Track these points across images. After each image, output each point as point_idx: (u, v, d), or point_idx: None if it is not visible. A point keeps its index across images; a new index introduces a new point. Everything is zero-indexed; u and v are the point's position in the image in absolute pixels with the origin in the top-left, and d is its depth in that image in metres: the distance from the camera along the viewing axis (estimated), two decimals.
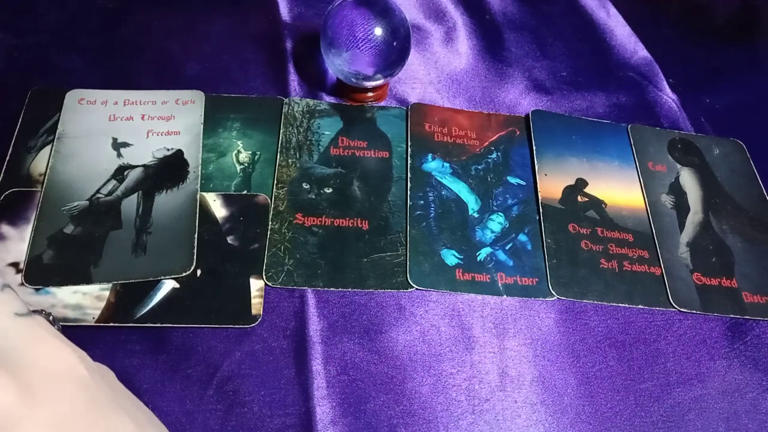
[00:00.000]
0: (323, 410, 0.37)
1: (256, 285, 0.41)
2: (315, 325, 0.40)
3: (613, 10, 0.61)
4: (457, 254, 0.44)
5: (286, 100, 0.50)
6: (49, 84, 0.49)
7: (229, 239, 0.43)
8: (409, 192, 0.46)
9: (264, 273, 0.41)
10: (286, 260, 0.42)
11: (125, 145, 0.46)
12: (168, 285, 0.40)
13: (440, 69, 0.55)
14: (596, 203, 0.48)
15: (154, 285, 0.40)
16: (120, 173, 0.44)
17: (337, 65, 0.47)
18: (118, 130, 0.46)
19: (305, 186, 0.46)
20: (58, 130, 0.46)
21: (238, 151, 0.47)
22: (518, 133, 0.51)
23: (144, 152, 0.45)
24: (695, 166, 0.51)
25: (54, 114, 0.47)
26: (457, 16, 0.59)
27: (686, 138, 0.53)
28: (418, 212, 0.45)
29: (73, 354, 0.26)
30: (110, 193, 0.43)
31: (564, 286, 0.43)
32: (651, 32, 0.61)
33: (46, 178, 0.43)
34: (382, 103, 0.52)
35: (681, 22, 0.63)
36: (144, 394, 0.36)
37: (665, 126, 0.54)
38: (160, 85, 0.50)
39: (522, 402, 0.39)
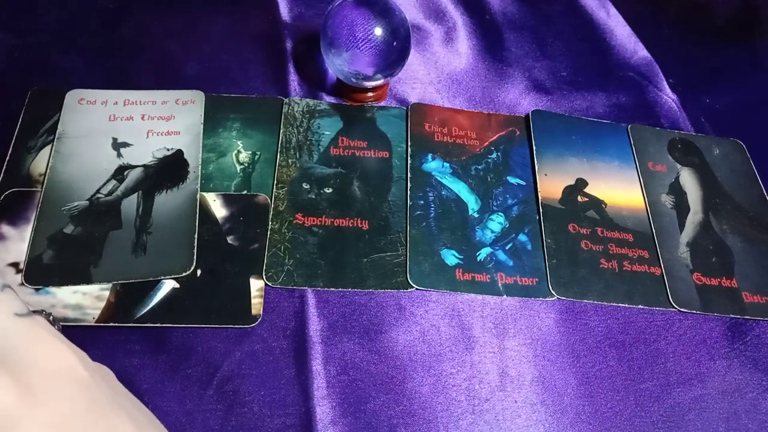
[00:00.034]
0: (323, 410, 0.37)
1: (256, 285, 0.41)
2: (315, 325, 0.40)
3: (613, 10, 0.61)
4: (457, 254, 0.44)
5: (286, 100, 0.50)
6: (49, 84, 0.49)
7: (229, 239, 0.43)
8: (409, 192, 0.46)
9: (264, 273, 0.41)
10: (286, 260, 0.42)
11: (125, 145, 0.46)
12: (168, 285, 0.40)
13: (440, 69, 0.55)
14: (596, 203, 0.48)
15: (154, 285, 0.40)
16: (120, 173, 0.44)
17: (337, 65, 0.47)
18: (118, 130, 0.46)
19: (305, 186, 0.46)
20: (58, 130, 0.46)
21: (238, 151, 0.47)
22: (518, 133, 0.51)
23: (144, 152, 0.45)
24: (695, 166, 0.51)
25: (54, 114, 0.47)
26: (457, 16, 0.59)
27: (686, 138, 0.53)
28: (418, 212, 0.45)
29: (72, 354, 0.26)
30: (110, 193, 0.43)
31: (564, 286, 0.43)
32: (651, 32, 0.61)
33: (46, 178, 0.43)
34: (382, 103, 0.52)
35: (681, 22, 0.63)
36: (144, 394, 0.36)
37: (665, 126, 0.54)
38: (160, 85, 0.50)
39: (522, 402, 0.39)
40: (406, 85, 0.53)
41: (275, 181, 0.46)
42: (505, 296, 0.43)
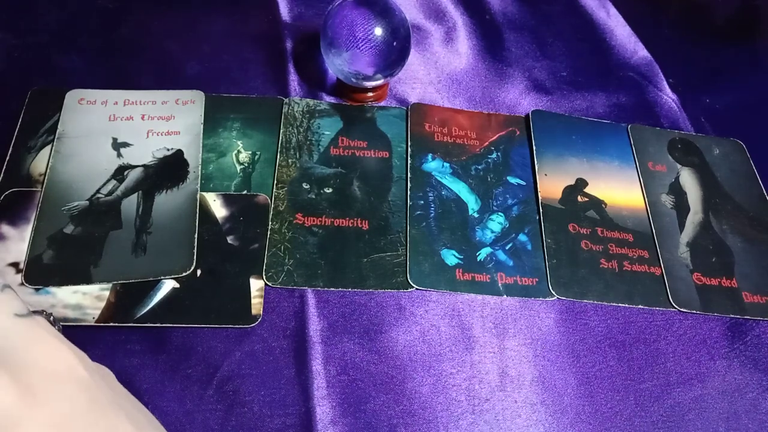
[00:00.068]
0: (323, 410, 0.37)
1: (256, 285, 0.41)
2: (315, 325, 0.40)
3: (613, 10, 0.61)
4: (457, 254, 0.44)
5: (286, 100, 0.50)
6: (49, 84, 0.49)
7: (229, 239, 0.43)
8: (409, 192, 0.46)
9: (264, 273, 0.41)
10: (286, 260, 0.42)
11: (125, 145, 0.46)
12: (168, 285, 0.40)
13: (440, 69, 0.55)
14: (596, 203, 0.48)
15: (154, 285, 0.40)
16: (120, 173, 0.44)
17: (337, 65, 0.47)
18: (118, 130, 0.46)
19: (305, 186, 0.46)
20: (58, 130, 0.46)
21: (238, 151, 0.47)
22: (518, 133, 0.51)
23: (144, 152, 0.45)
24: (695, 166, 0.51)
25: (54, 114, 0.47)
26: (457, 16, 0.59)
27: (686, 138, 0.53)
28: (418, 212, 0.45)
29: (73, 354, 0.26)
30: (110, 193, 0.43)
31: (564, 286, 0.43)
32: (651, 32, 0.61)
33: (46, 178, 0.43)
34: (382, 103, 0.52)
35: (681, 22, 0.63)
36: (144, 394, 0.36)
37: (665, 126, 0.54)
38: (160, 85, 0.50)
39: (522, 402, 0.39)
40: (406, 85, 0.53)
41: (275, 181, 0.46)
42: (505, 296, 0.43)
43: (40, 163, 0.44)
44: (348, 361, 0.39)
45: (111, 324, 0.38)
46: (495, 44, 0.58)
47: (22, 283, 0.39)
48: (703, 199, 0.49)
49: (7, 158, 0.44)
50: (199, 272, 0.41)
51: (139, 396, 0.36)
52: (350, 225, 0.44)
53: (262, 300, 0.40)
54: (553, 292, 0.43)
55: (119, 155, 0.45)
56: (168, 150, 0.46)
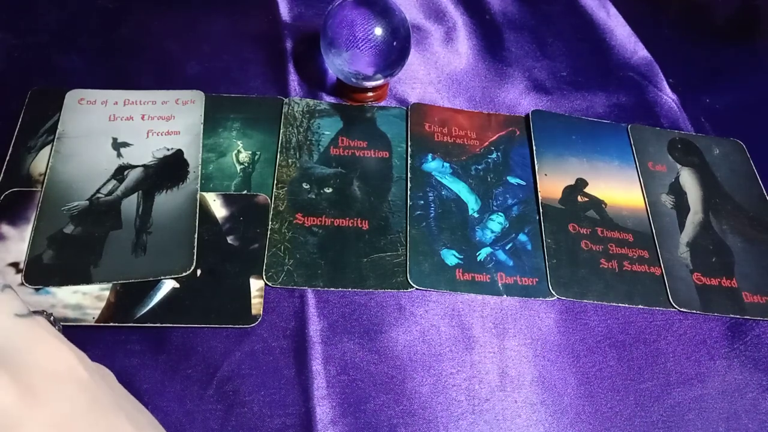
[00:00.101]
0: (323, 410, 0.37)
1: (256, 285, 0.41)
2: (315, 325, 0.40)
3: (613, 10, 0.61)
4: (457, 254, 0.44)
5: (286, 100, 0.50)
6: (49, 84, 0.49)
7: (229, 239, 0.43)
8: (409, 192, 0.46)
9: (264, 273, 0.41)
10: (286, 260, 0.42)
11: (125, 145, 0.46)
12: (168, 285, 0.40)
13: (440, 69, 0.55)
14: (596, 203, 0.48)
15: (154, 285, 0.40)
16: (120, 173, 0.44)
17: (337, 65, 0.47)
18: (118, 130, 0.46)
19: (305, 186, 0.46)
20: (58, 130, 0.46)
21: (238, 151, 0.47)
22: (518, 133, 0.51)
23: (144, 152, 0.45)
24: (695, 166, 0.51)
25: (54, 114, 0.47)
26: (457, 16, 0.59)
27: (686, 138, 0.53)
28: (418, 212, 0.45)
29: (73, 355, 0.26)
30: (110, 193, 0.43)
31: (564, 286, 0.43)
32: (651, 32, 0.61)
33: (46, 178, 0.43)
34: (382, 103, 0.52)
35: (681, 22, 0.63)
36: (144, 394, 0.36)
37: (665, 126, 0.54)
38: (160, 85, 0.50)
39: (522, 402, 0.39)
40: (406, 85, 0.53)
41: (275, 181, 0.46)
42: (505, 296, 0.43)
43: (40, 163, 0.44)
44: (348, 361, 0.39)
45: (111, 324, 0.38)
46: (495, 44, 0.58)
47: (22, 283, 0.39)
48: (703, 199, 0.49)
49: (7, 158, 0.44)
50: (199, 272, 0.41)
51: (139, 396, 0.36)
52: (350, 225, 0.44)
53: (262, 300, 0.40)
54: (553, 292, 0.43)
55: (119, 155, 0.45)
56: (168, 150, 0.46)
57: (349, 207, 0.45)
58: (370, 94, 0.51)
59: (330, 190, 0.46)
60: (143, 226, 0.42)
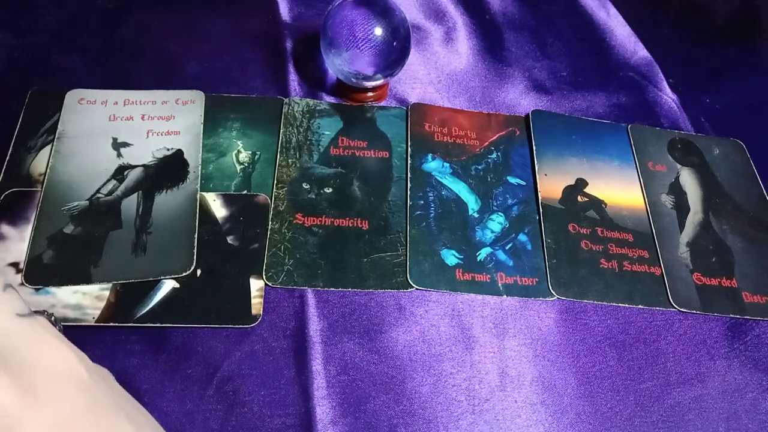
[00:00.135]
0: (323, 410, 0.37)
1: (256, 285, 0.41)
2: (315, 325, 0.40)
3: (613, 10, 0.61)
4: (457, 254, 0.44)
5: (286, 100, 0.50)
6: (49, 84, 0.49)
7: (229, 239, 0.43)
8: (409, 192, 0.46)
9: (264, 273, 0.41)
10: (286, 260, 0.42)
11: (125, 145, 0.46)
12: (168, 285, 0.40)
13: (440, 69, 0.55)
14: (596, 203, 0.48)
15: (154, 285, 0.40)
16: (120, 173, 0.44)
17: (337, 65, 0.47)
18: (118, 130, 0.46)
19: (305, 186, 0.46)
20: (58, 130, 0.46)
21: (238, 151, 0.47)
22: (518, 133, 0.51)
23: (144, 152, 0.45)
24: (695, 166, 0.51)
25: (54, 114, 0.47)
26: (457, 16, 0.59)
27: (686, 138, 0.53)
28: (418, 212, 0.45)
29: (73, 355, 0.26)
30: (110, 193, 0.43)
31: (564, 286, 0.43)
32: (651, 32, 0.61)
33: (46, 178, 0.43)
34: (382, 103, 0.52)
35: (681, 22, 0.63)
36: (144, 394, 0.36)
37: (665, 126, 0.54)
38: (160, 85, 0.50)
39: (522, 402, 0.39)
40: (406, 85, 0.53)
41: (275, 181, 0.46)
42: (505, 296, 0.43)
43: (40, 163, 0.44)
44: (348, 361, 0.39)
45: (111, 324, 0.38)
46: (495, 44, 0.58)
47: (22, 283, 0.39)
48: (703, 199, 0.49)
49: (7, 158, 0.44)
50: (199, 272, 0.41)
51: (139, 396, 0.36)
52: (350, 225, 0.44)
53: (262, 300, 0.40)
54: (553, 292, 0.43)
55: (119, 155, 0.45)
56: (168, 150, 0.46)
57: (349, 207, 0.45)
58: (370, 94, 0.51)
59: (330, 190, 0.46)
60: (143, 226, 0.42)
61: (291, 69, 0.53)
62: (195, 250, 0.41)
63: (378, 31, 0.45)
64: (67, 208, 0.42)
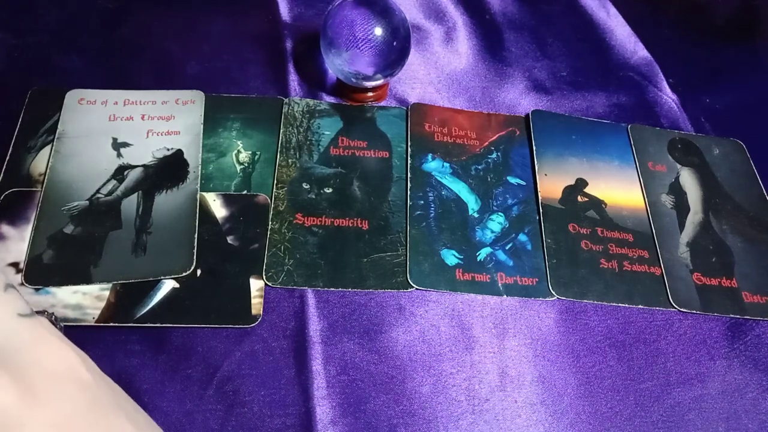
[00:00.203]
0: (323, 410, 0.37)
1: (256, 285, 0.41)
2: (315, 325, 0.40)
3: (613, 10, 0.61)
4: (457, 254, 0.44)
5: (286, 100, 0.50)
6: (49, 84, 0.49)
7: (229, 239, 0.43)
8: (409, 192, 0.46)
9: (264, 273, 0.41)
10: (286, 260, 0.42)
11: (125, 145, 0.46)
12: (168, 285, 0.40)
13: (440, 69, 0.55)
14: (596, 203, 0.48)
15: (154, 285, 0.40)
16: (120, 173, 0.44)
17: (337, 65, 0.47)
18: (118, 130, 0.46)
19: (305, 186, 0.46)
20: (58, 130, 0.46)
21: (238, 151, 0.47)
22: (518, 133, 0.51)
23: (144, 152, 0.45)
24: (695, 166, 0.51)
25: (54, 114, 0.47)
26: (457, 16, 0.59)
27: (686, 138, 0.53)
28: (418, 212, 0.45)
29: (74, 355, 0.26)
30: (110, 193, 0.43)
31: (564, 286, 0.43)
32: (651, 32, 0.61)
33: (46, 178, 0.43)
34: (382, 103, 0.52)
35: (681, 22, 0.63)
36: (144, 394, 0.36)
37: (665, 126, 0.54)
38: (160, 85, 0.50)
39: (522, 402, 0.39)
40: (406, 85, 0.53)
41: (275, 181, 0.46)
42: (505, 296, 0.43)
43: (40, 163, 0.44)
44: (348, 361, 0.39)
45: (111, 324, 0.38)
46: (495, 44, 0.58)
47: (22, 283, 0.39)
48: (703, 199, 0.49)
49: (7, 158, 0.44)
50: (199, 272, 0.41)
51: (139, 396, 0.36)
52: (350, 225, 0.44)
53: (262, 300, 0.40)
54: (553, 292, 0.43)
55: (119, 155, 0.45)
56: (168, 150, 0.46)
57: (349, 207, 0.45)
58: (370, 94, 0.51)
59: (330, 190, 0.46)
60: (143, 226, 0.42)
61: (291, 69, 0.53)
62: (195, 250, 0.41)
63: (378, 31, 0.45)
64: (67, 208, 0.42)
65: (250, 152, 0.47)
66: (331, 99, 0.51)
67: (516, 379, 0.40)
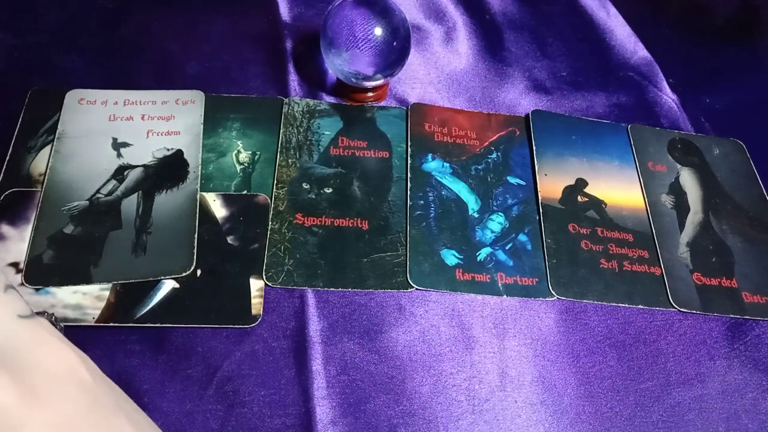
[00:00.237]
0: (323, 410, 0.37)
1: (256, 285, 0.41)
2: (315, 325, 0.40)
3: (613, 10, 0.61)
4: (457, 254, 0.44)
5: (286, 100, 0.50)
6: (49, 84, 0.49)
7: (229, 239, 0.43)
8: (409, 192, 0.46)
9: (264, 273, 0.41)
10: (286, 260, 0.42)
11: (125, 145, 0.46)
12: (168, 285, 0.40)
13: (440, 69, 0.55)
14: (596, 203, 0.48)
15: (154, 285, 0.40)
16: (120, 173, 0.44)
17: (337, 65, 0.47)
18: (118, 130, 0.46)
19: (305, 186, 0.46)
20: (58, 130, 0.46)
21: (238, 151, 0.47)
22: (518, 133, 0.51)
23: (144, 152, 0.45)
24: (695, 166, 0.51)
25: (54, 114, 0.47)
26: (457, 16, 0.59)
27: (686, 138, 0.53)
28: (418, 212, 0.45)
29: (75, 356, 0.26)
30: (110, 193, 0.43)
31: (564, 286, 0.43)
32: (651, 32, 0.61)
33: (46, 178, 0.43)
34: (382, 103, 0.52)
35: (681, 22, 0.63)
36: (144, 394, 0.37)
37: (665, 126, 0.54)
38: (160, 85, 0.50)
39: (522, 402, 0.39)
40: (406, 85, 0.53)
41: (275, 181, 0.46)
42: (505, 296, 0.43)
43: (40, 163, 0.44)
44: (348, 361, 0.39)
45: (111, 324, 0.38)
46: (495, 44, 0.58)
47: (22, 283, 0.39)
48: (703, 199, 0.49)
49: (7, 158, 0.44)
50: (199, 272, 0.41)
51: (139, 396, 0.36)
52: (350, 225, 0.44)
53: (262, 300, 0.40)
54: (553, 292, 0.43)
55: (119, 155, 0.45)
56: (168, 150, 0.46)
57: (349, 207, 0.45)
58: (370, 94, 0.51)
59: (330, 190, 0.46)
60: (143, 226, 0.42)
61: (291, 69, 0.53)
62: (195, 250, 0.41)
63: (378, 31, 0.45)
64: (67, 208, 0.42)
65: (250, 152, 0.47)
66: (331, 99, 0.51)
67: (516, 379, 0.40)
